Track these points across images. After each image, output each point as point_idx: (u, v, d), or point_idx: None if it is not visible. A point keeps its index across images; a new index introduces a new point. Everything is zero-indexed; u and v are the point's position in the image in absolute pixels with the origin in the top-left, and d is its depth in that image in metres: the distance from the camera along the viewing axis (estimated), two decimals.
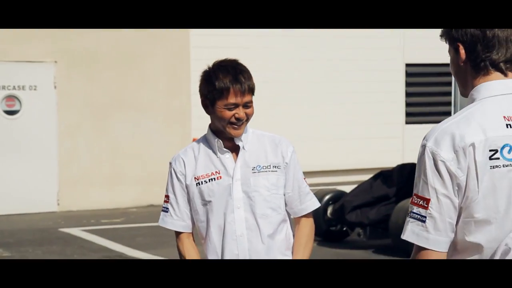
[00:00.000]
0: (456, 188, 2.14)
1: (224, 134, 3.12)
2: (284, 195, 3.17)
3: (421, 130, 13.99)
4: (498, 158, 2.13)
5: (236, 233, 3.09)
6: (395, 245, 8.13)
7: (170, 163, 3.18)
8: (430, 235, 2.15)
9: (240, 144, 3.14)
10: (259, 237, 3.09)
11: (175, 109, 12.00)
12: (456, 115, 2.22)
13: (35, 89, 11.35)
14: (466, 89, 2.30)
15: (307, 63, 13.19)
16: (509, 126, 2.16)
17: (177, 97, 12.02)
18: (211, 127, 3.17)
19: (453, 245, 2.19)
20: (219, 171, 3.11)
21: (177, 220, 3.15)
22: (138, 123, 11.79)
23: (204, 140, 3.18)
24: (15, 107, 11.27)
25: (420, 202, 2.16)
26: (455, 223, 2.17)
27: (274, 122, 13.40)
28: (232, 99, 3.05)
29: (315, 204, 3.25)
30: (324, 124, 13.50)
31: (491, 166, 2.13)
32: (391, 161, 12.50)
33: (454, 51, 2.31)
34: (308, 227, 3.22)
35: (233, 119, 3.06)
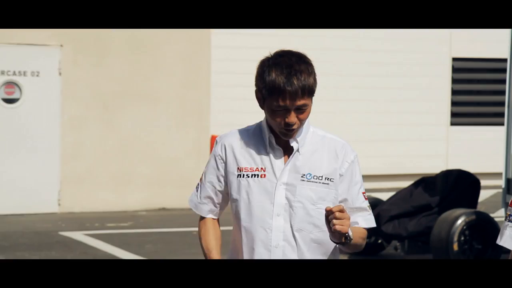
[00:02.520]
0: None
1: None
2: None
3: (468, 132, 13.82)
4: None
5: (271, 243, 3.03)
6: None
7: (216, 141, 3.17)
8: None
9: (294, 146, 3.06)
10: (295, 252, 3.04)
11: (192, 101, 11.92)
12: None
13: (37, 76, 11.33)
14: None
15: (341, 56, 13.07)
16: None
17: (195, 88, 11.94)
18: (267, 119, 3.10)
19: None
20: (264, 168, 3.06)
21: (199, 203, 3.19)
22: (150, 117, 11.73)
23: (258, 129, 3.13)
24: (14, 94, 11.26)
25: None
26: None
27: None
28: (281, 102, 2.97)
29: (368, 222, 3.11)
30: (358, 124, 13.37)
31: None
32: (434, 167, 12.35)
33: None
34: (358, 241, 3.07)
35: (282, 124, 3.00)
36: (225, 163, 3.11)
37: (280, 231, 3.04)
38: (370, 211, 3.14)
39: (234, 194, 3.09)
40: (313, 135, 3.10)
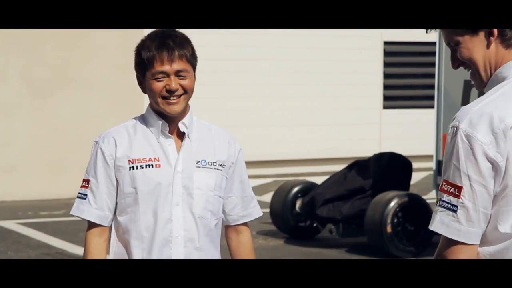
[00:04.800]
0: (493, 174, 2.17)
1: (166, 116, 2.99)
2: (222, 198, 3.08)
3: (400, 115, 14.06)
4: None
5: (172, 233, 2.97)
6: (371, 244, 8.15)
7: (96, 142, 3.04)
8: (461, 226, 2.19)
9: (185, 130, 3.01)
10: (197, 242, 3.00)
11: (126, 86, 11.87)
12: (487, 94, 2.25)
13: None
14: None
15: (277, 41, 13.15)
16: None
17: (128, 73, 11.87)
18: (151, 107, 3.02)
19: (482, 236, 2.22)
20: (158, 158, 2.98)
21: (95, 209, 3.01)
22: (84, 103, 11.64)
23: (142, 120, 3.05)
24: None
25: (451, 190, 2.19)
26: (489, 213, 2.20)
27: (239, 106, 13.35)
28: (158, 67, 2.92)
29: (258, 212, 3.21)
30: (292, 108, 13.49)
31: None
32: (367, 150, 12.53)
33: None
34: (250, 237, 3.22)
35: (164, 92, 2.93)
36: (114, 158, 2.99)
37: (180, 221, 2.98)
38: (256, 200, 3.20)
39: (127, 188, 2.97)
40: (198, 123, 3.06)
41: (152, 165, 2.97)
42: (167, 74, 2.93)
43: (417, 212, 8.08)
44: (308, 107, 13.53)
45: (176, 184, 2.97)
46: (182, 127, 3.00)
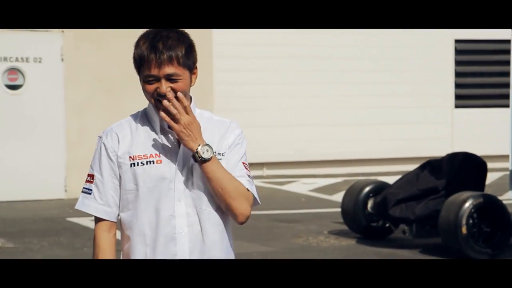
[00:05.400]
0: None
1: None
2: None
3: (472, 114, 13.85)
4: None
5: (175, 229, 2.92)
6: (445, 244, 8.04)
7: (100, 137, 3.02)
8: None
9: None
10: (203, 237, 2.95)
11: (195, 86, 11.92)
12: None
13: (40, 62, 11.34)
14: None
15: (347, 40, 13.08)
16: None
17: (199, 73, 11.93)
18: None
19: None
20: (159, 154, 2.94)
21: (101, 205, 2.97)
22: None
23: (144, 115, 3.02)
24: (17, 81, 11.27)
25: None
26: None
27: (309, 104, 13.32)
28: (147, 71, 2.88)
29: (249, 186, 2.99)
30: (364, 107, 13.40)
31: None
32: (439, 150, 12.38)
33: None
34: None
35: (155, 95, 2.89)
36: (117, 154, 2.96)
37: (183, 217, 2.93)
38: (251, 180, 3.01)
39: (129, 185, 2.94)
40: (200, 116, 3.00)
41: (153, 162, 2.93)
42: (157, 78, 2.88)
43: (493, 213, 7.92)
44: (380, 106, 13.42)
45: (178, 180, 2.93)
46: None
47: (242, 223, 3.02)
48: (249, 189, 2.97)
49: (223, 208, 2.96)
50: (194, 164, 2.92)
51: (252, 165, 13.78)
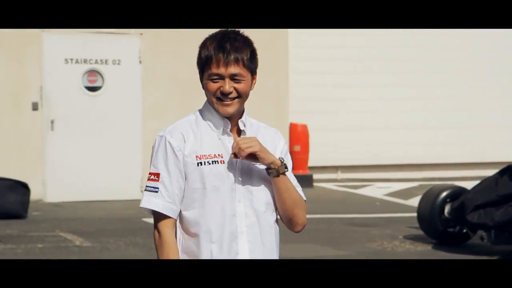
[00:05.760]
0: None
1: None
2: None
3: None
4: None
5: (237, 229, 3.00)
6: None
7: (162, 136, 3.05)
8: None
9: (243, 129, 3.05)
10: (259, 238, 3.03)
11: (271, 88, 11.93)
12: None
13: (118, 64, 11.50)
14: None
15: (431, 41, 12.93)
16: None
17: (273, 75, 11.94)
18: (210, 103, 3.07)
19: None
20: (221, 154, 3.01)
21: (168, 202, 3.00)
22: None
23: (202, 116, 3.08)
24: (97, 83, 11.45)
25: None
26: None
27: (386, 108, 13.21)
28: (214, 69, 2.97)
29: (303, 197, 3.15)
30: (440, 110, 13.22)
31: None
32: None
33: None
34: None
35: (218, 93, 2.98)
36: (183, 153, 3.01)
37: (242, 218, 3.00)
38: (301, 188, 3.14)
39: (195, 183, 2.99)
40: (249, 122, 3.09)
41: (218, 161, 3.00)
42: (222, 77, 2.96)
43: None
44: (457, 109, 13.22)
45: (238, 181, 3.01)
46: (241, 126, 3.04)
47: (298, 232, 3.13)
48: (305, 198, 3.10)
49: (285, 216, 3.07)
50: (253, 167, 3.00)
51: (326, 168, 13.73)
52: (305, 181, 12.62)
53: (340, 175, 13.53)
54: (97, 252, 8.16)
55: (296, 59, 12.61)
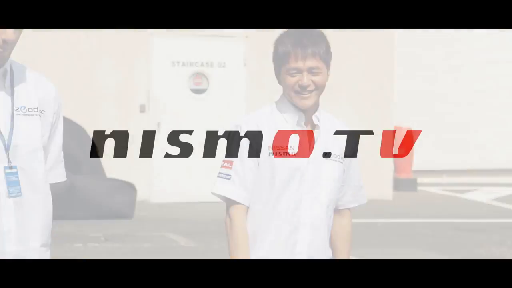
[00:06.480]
0: None
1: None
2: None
3: None
4: None
5: (300, 219, 3.07)
6: None
7: (237, 125, 3.13)
8: None
9: (318, 123, 3.12)
10: (321, 231, 3.10)
11: (374, 91, 11.78)
12: None
13: (223, 67, 11.59)
14: None
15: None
16: None
17: (378, 78, 11.79)
18: (286, 97, 3.14)
19: None
20: (294, 147, 3.09)
21: (241, 190, 3.07)
22: (333, 108, 11.70)
23: (277, 109, 3.15)
24: (202, 85, 11.57)
25: None
26: None
27: (485, 114, 12.93)
28: (292, 64, 3.05)
29: (364, 199, 3.28)
30: None
31: None
32: None
33: None
34: (350, 221, 3.27)
35: (296, 87, 3.05)
36: (258, 143, 3.09)
37: (308, 209, 3.07)
38: (363, 187, 3.26)
39: (266, 173, 3.07)
40: (324, 116, 3.15)
41: (289, 153, 3.07)
42: (300, 70, 3.04)
43: None
44: None
45: (308, 173, 3.07)
46: (315, 120, 3.11)
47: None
48: (364, 201, 3.29)
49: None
50: (324, 162, 3.09)
51: (431, 172, 13.49)
52: (409, 184, 12.43)
53: (445, 179, 13.28)
54: (201, 253, 8.24)
55: (400, 63, 12.44)
